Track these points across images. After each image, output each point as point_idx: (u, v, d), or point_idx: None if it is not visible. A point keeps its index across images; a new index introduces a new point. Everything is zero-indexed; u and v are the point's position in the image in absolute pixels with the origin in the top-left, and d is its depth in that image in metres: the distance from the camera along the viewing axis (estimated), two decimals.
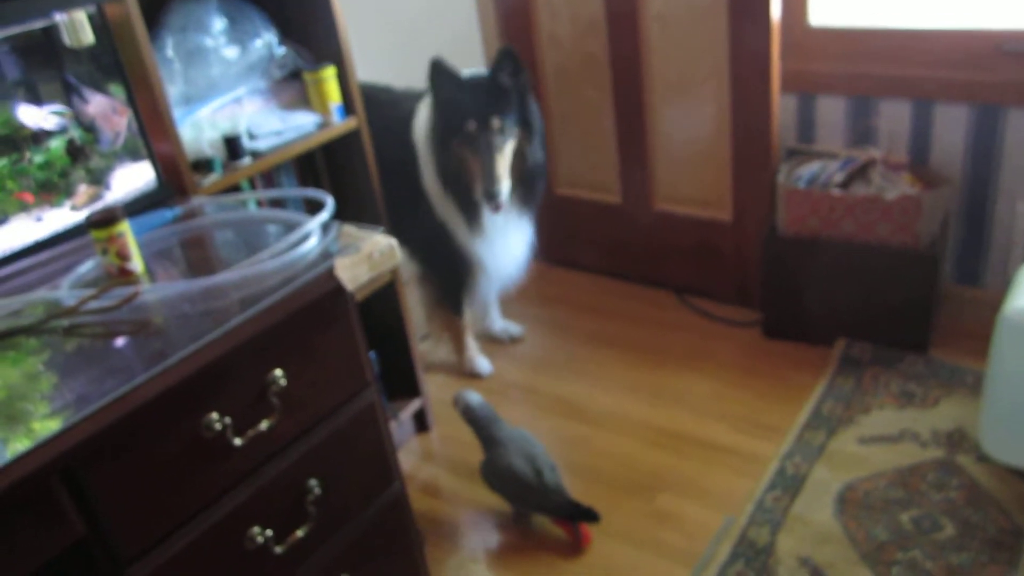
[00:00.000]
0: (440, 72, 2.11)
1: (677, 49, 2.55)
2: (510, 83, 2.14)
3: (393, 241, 1.30)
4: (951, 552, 1.81)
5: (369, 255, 1.26)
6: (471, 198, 2.24)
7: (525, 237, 2.44)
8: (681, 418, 2.33)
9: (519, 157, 2.22)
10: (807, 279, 2.46)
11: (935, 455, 2.06)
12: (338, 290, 1.24)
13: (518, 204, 2.32)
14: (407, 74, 2.41)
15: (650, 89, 2.66)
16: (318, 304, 1.23)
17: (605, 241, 3.00)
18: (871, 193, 2.29)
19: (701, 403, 2.38)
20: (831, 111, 2.53)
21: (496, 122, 2.12)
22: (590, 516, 1.98)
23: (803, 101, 2.56)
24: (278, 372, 1.21)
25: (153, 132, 1.57)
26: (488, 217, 2.27)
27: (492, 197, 2.14)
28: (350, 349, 1.33)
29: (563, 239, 3.05)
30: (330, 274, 1.22)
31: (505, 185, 2.15)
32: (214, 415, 1.14)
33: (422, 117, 2.24)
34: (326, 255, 1.26)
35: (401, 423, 2.32)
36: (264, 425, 1.20)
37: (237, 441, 1.17)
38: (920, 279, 2.30)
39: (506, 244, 2.39)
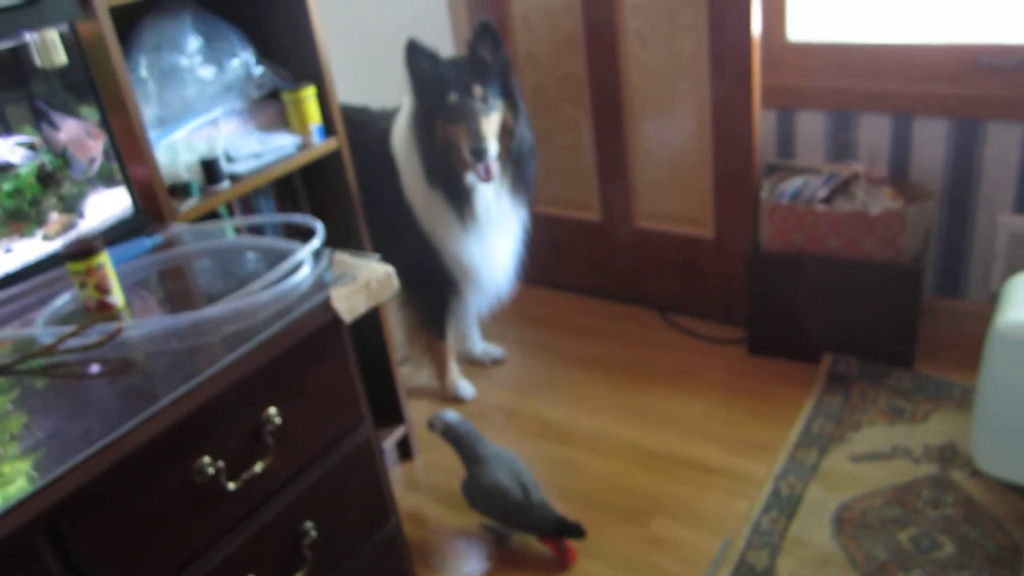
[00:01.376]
0: (416, 51, 2.05)
1: (657, 66, 2.53)
2: (490, 57, 2.09)
3: (391, 269, 1.24)
4: (952, 571, 1.78)
5: (367, 284, 1.20)
6: (460, 185, 2.16)
7: (516, 233, 2.37)
8: (669, 439, 2.29)
9: (506, 134, 2.16)
10: (791, 295, 2.44)
11: (928, 471, 2.05)
12: (334, 322, 1.18)
13: (509, 189, 2.25)
14: (383, 96, 2.36)
15: (629, 106, 2.63)
16: (314, 337, 1.16)
17: (586, 260, 2.97)
18: (855, 208, 2.28)
19: (689, 423, 2.34)
20: (811, 126, 2.52)
21: (478, 89, 2.05)
22: (576, 532, 1.93)
23: (782, 116, 2.55)
24: (272, 410, 1.15)
25: (129, 156, 1.50)
26: (480, 204, 2.20)
27: (479, 155, 2.04)
28: (346, 383, 1.27)
29: (543, 258, 3.00)
30: (326, 305, 1.16)
31: (492, 144, 2.07)
32: (206, 459, 1.07)
33: (400, 127, 2.19)
34: (320, 285, 1.20)
35: (384, 452, 2.25)
36: (259, 467, 1.14)
37: (231, 485, 1.10)
38: (904, 293, 2.30)
39: (497, 240, 2.31)
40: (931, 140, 2.38)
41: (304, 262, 1.25)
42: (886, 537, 1.88)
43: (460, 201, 2.19)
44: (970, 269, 2.48)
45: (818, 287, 2.39)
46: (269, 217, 1.80)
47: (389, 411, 2.28)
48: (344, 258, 1.27)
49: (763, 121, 2.55)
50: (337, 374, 1.25)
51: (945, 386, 2.31)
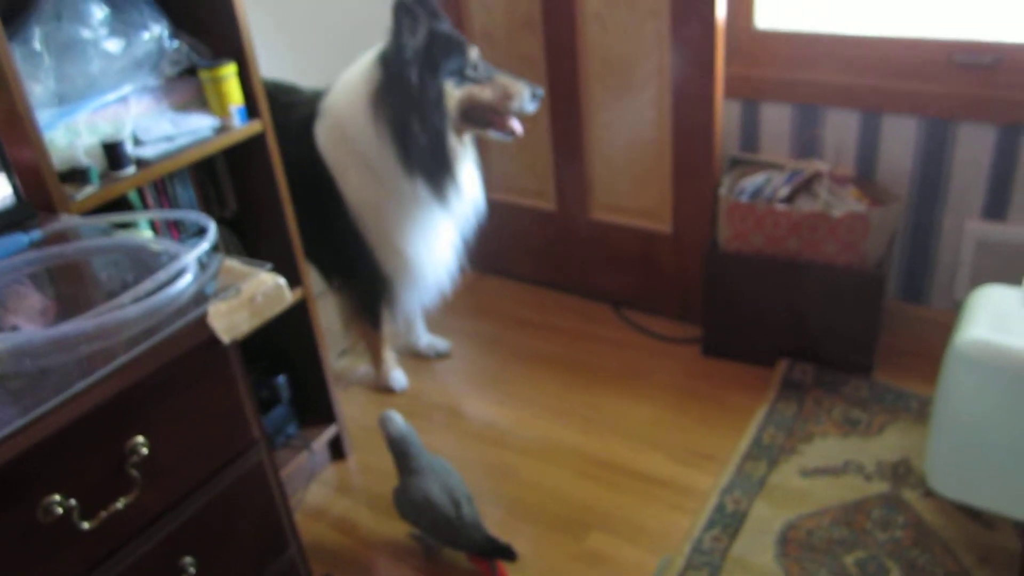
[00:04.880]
0: (409, 9, 1.89)
1: (617, 50, 2.40)
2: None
3: (281, 280, 1.11)
4: None
5: (251, 298, 1.07)
6: (450, 160, 2.04)
7: (469, 218, 2.27)
8: (615, 446, 2.18)
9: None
10: (748, 297, 2.34)
11: (880, 489, 1.96)
12: (214, 340, 1.05)
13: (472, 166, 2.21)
14: (311, 74, 2.21)
15: (587, 92, 2.50)
16: (187, 358, 1.04)
17: (539, 250, 2.85)
18: (817, 209, 2.17)
19: (636, 429, 2.24)
20: (776, 119, 2.40)
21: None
22: (507, 554, 1.83)
23: (747, 108, 2.43)
24: (139, 439, 1.02)
25: (9, 138, 1.35)
26: (461, 177, 2.12)
27: (538, 98, 2.08)
28: (230, 405, 1.14)
29: (496, 246, 2.88)
30: (202, 323, 1.03)
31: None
32: (55, 497, 0.95)
33: (338, 118, 2.01)
34: (200, 298, 1.07)
35: (314, 452, 2.13)
36: (121, 503, 1.01)
37: (85, 525, 0.98)
38: (865, 300, 2.20)
39: (445, 233, 2.22)
40: (900, 139, 2.27)
41: (187, 269, 1.11)
42: (831, 560, 1.79)
43: (444, 179, 2.06)
44: (935, 275, 2.38)
45: (776, 290, 2.28)
46: (156, 212, 1.65)
47: (320, 409, 2.16)
48: (231, 265, 1.14)
49: (727, 112, 2.42)
50: (220, 396, 1.13)
51: (903, 397, 2.22)
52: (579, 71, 2.47)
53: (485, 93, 2.03)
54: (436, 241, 2.19)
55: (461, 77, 1.99)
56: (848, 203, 2.21)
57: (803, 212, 2.17)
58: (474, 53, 2.00)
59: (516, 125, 2.10)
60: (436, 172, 2.03)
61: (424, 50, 1.93)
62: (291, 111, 2.07)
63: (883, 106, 2.25)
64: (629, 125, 2.48)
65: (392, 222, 2.09)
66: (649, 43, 2.33)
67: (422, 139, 1.98)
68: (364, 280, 2.22)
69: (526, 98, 2.05)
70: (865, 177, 2.34)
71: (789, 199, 2.26)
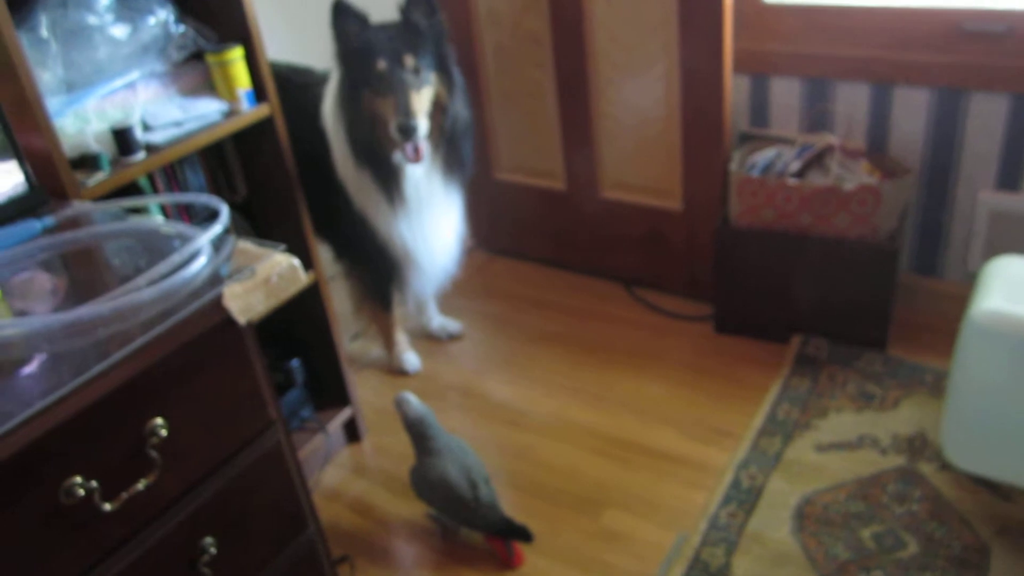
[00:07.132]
0: (343, 11, 1.86)
1: (624, 27, 2.38)
2: (424, 23, 1.90)
3: (296, 261, 1.11)
4: (915, 572, 1.70)
5: (266, 279, 1.07)
6: (388, 164, 1.98)
7: (454, 214, 2.20)
8: (629, 424, 2.19)
9: (439, 111, 1.98)
10: (760, 273, 2.33)
11: (896, 463, 1.95)
12: (230, 322, 1.05)
13: (442, 170, 2.07)
14: (322, 56, 2.20)
15: (595, 69, 2.48)
16: (205, 339, 1.04)
17: (550, 230, 2.84)
18: (828, 183, 2.16)
19: (650, 406, 2.24)
20: (786, 94, 2.38)
21: (409, 60, 1.87)
22: (523, 535, 1.84)
23: (756, 83, 2.41)
24: (158, 421, 1.03)
25: (20, 125, 1.35)
26: (410, 185, 2.03)
27: (407, 132, 1.87)
28: (247, 386, 1.15)
29: (505, 227, 2.88)
30: (217, 304, 1.03)
31: (422, 122, 1.90)
32: (77, 479, 0.95)
33: (329, 95, 2.01)
34: (215, 280, 1.07)
35: (330, 435, 2.14)
36: (142, 484, 1.02)
37: (107, 506, 0.98)
38: (879, 274, 2.18)
39: (434, 222, 2.15)
40: (911, 111, 2.25)
41: (201, 252, 1.11)
42: (848, 534, 1.79)
43: (388, 182, 2.02)
44: (949, 247, 2.37)
45: (788, 265, 2.27)
46: (167, 196, 1.65)
47: (335, 392, 2.17)
48: (246, 247, 1.14)
49: (736, 87, 2.41)
50: (237, 377, 1.13)
51: (918, 371, 2.21)
52: (586, 48, 2.45)
53: (378, 107, 1.93)
54: (424, 229, 2.15)
55: (371, 87, 1.92)
56: (860, 176, 2.20)
57: (814, 186, 2.15)
58: (381, 64, 1.88)
59: (408, 150, 1.93)
60: (379, 171, 2.00)
61: (353, 52, 1.90)
62: (307, 92, 2.07)
63: (894, 78, 2.23)
64: (638, 102, 2.46)
65: (374, 205, 2.08)
66: (656, 18, 2.31)
67: (361, 137, 1.98)
68: (372, 262, 2.22)
69: (392, 127, 1.90)
70: (876, 150, 2.32)
71: (800, 173, 2.24)
